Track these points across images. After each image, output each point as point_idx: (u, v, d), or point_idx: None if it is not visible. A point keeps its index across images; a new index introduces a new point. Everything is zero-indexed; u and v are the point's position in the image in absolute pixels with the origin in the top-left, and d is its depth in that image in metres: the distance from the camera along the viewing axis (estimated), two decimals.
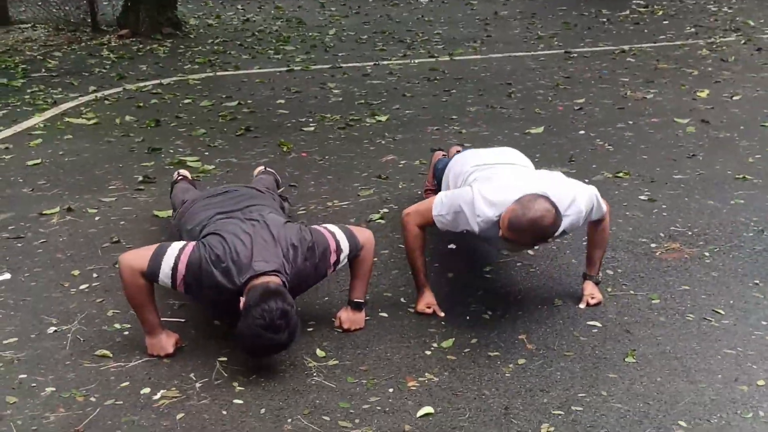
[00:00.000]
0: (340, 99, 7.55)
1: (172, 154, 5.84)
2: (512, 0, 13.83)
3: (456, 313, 3.61)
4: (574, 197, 3.35)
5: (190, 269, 3.08)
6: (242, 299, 3.00)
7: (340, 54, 9.71)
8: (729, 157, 5.64)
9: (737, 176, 5.26)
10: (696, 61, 8.98)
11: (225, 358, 3.23)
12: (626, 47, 9.73)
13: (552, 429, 2.80)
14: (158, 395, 2.98)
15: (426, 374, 3.15)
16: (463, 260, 4.16)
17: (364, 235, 3.45)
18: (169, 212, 4.37)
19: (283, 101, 7.44)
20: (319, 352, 3.29)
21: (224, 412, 2.90)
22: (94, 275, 3.90)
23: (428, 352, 3.31)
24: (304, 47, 10.15)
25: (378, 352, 3.31)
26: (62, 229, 4.44)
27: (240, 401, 2.97)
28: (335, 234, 3.34)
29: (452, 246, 4.30)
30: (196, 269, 3.07)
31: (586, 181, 5.06)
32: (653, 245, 4.29)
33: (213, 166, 5.51)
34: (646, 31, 10.96)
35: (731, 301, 3.69)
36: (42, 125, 6.63)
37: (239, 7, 13.83)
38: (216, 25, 11.94)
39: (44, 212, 4.65)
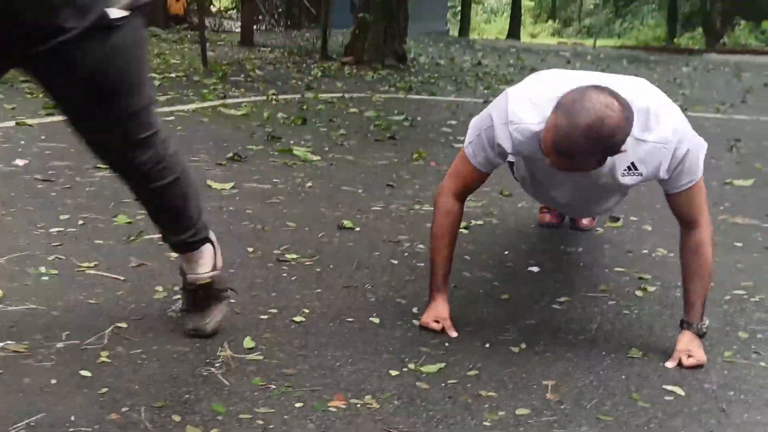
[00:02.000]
0: None
1: (289, 143, 5.22)
2: None
3: (477, 338, 2.53)
4: (661, 113, 2.21)
5: None
6: None
7: None
8: None
9: None
10: None
11: (125, 325, 2.42)
12: None
13: None
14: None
15: (366, 397, 2.12)
16: (534, 284, 3.03)
17: None
18: (225, 185, 3.84)
19: (454, 122, 6.63)
20: (248, 343, 2.38)
21: (53, 381, 2.07)
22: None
23: (394, 372, 2.27)
24: None
25: (326, 359, 2.33)
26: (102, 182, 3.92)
27: (88, 374, 2.13)
28: None
29: (535, 269, 3.19)
30: None
31: None
32: None
33: (318, 158, 4.81)
34: None
35: None
36: (192, 110, 6.34)
37: (480, 55, 13.27)
38: (444, 65, 11.43)
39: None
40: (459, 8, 30.93)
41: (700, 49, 18.64)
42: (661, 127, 2.20)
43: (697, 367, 2.41)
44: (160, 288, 2.73)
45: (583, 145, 2.05)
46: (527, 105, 2.26)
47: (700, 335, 2.48)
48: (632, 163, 2.25)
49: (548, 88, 2.27)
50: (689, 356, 2.43)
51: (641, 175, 2.29)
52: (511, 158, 3.00)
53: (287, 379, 2.19)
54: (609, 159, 2.19)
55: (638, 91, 2.26)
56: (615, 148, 2.11)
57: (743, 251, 3.60)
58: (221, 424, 1.94)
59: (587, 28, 33.68)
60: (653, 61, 14.03)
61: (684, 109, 8.10)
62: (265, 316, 2.58)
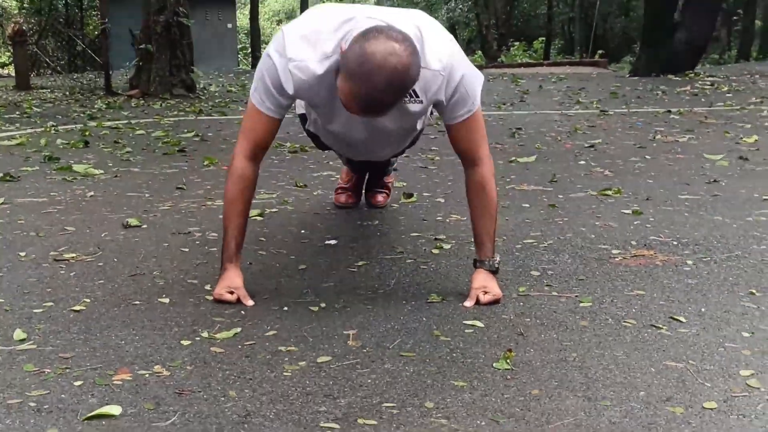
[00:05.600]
0: None
1: (68, 162, 4.89)
2: (567, 80, 12.81)
3: (274, 303, 2.42)
4: (435, 42, 2.24)
5: None
6: None
7: None
8: (760, 184, 4.33)
9: (766, 197, 3.95)
10: (752, 118, 7.64)
11: None
12: (674, 109, 8.48)
13: None
14: None
15: (155, 367, 1.95)
16: (331, 254, 2.97)
17: None
18: None
19: None
20: (19, 335, 2.14)
21: None
22: None
23: (186, 342, 2.11)
24: None
25: (109, 339, 2.14)
26: None
27: None
28: None
29: (332, 242, 3.13)
30: None
31: (560, 197, 3.91)
32: (615, 251, 3.03)
33: (101, 171, 4.53)
34: (703, 99, 9.67)
35: (702, 309, 2.39)
36: None
37: None
38: (236, 91, 11.29)
39: None
40: (249, 49, 30.85)
41: (481, 65, 19.68)
42: (436, 54, 2.21)
43: (494, 302, 2.43)
44: None
45: (388, 100, 2.04)
46: (304, 42, 2.20)
47: (494, 271, 2.50)
48: (413, 91, 2.24)
49: (323, 22, 2.23)
50: (485, 293, 2.44)
51: (422, 102, 2.29)
52: (300, 109, 2.93)
53: (65, 362, 1.99)
54: None
55: (411, 21, 2.25)
56: (411, 87, 2.12)
57: (531, 210, 3.73)
58: None
59: None
60: None
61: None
62: (40, 310, 2.35)
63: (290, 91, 2.24)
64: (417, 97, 2.27)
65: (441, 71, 2.22)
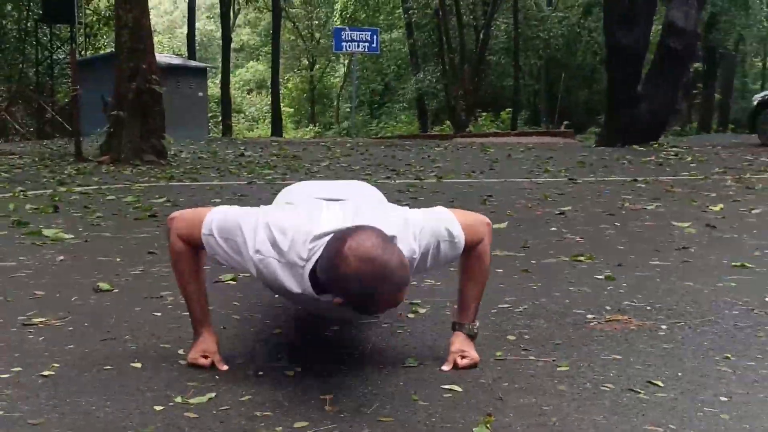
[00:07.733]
0: None
1: (38, 227, 4.83)
2: (535, 149, 13.01)
3: (249, 368, 2.38)
4: (401, 233, 2.22)
5: None
6: None
7: (318, 175, 8.84)
8: (729, 251, 4.39)
9: (734, 264, 4.00)
10: (717, 188, 7.79)
11: None
12: (641, 178, 8.62)
13: None
14: None
15: None
16: (305, 319, 2.94)
17: None
18: None
19: (218, 200, 6.48)
20: None
21: None
22: None
23: (159, 407, 2.06)
24: (284, 171, 9.34)
25: (80, 405, 2.08)
26: None
27: None
28: None
29: None
30: None
31: (533, 262, 3.92)
32: (590, 316, 3.04)
33: (71, 236, 4.48)
34: (668, 169, 9.86)
35: (679, 374, 2.40)
36: None
37: (243, 148, 13.32)
38: (207, 158, 11.31)
39: None
40: (220, 118, 31.02)
41: (450, 135, 19.97)
42: (404, 243, 2.20)
43: (472, 366, 2.42)
44: None
45: (401, 280, 2.03)
46: (271, 240, 2.17)
47: (472, 336, 2.49)
48: None
49: (294, 220, 2.20)
50: (463, 357, 2.43)
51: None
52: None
53: (33, 428, 1.93)
54: None
55: (378, 216, 2.24)
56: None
57: (504, 275, 3.74)
58: None
59: (346, 131, 35.05)
60: (408, 144, 14.81)
61: (439, 178, 8.53)
62: (7, 375, 2.29)
63: (254, 274, 2.23)
64: None
65: (413, 256, 2.22)
